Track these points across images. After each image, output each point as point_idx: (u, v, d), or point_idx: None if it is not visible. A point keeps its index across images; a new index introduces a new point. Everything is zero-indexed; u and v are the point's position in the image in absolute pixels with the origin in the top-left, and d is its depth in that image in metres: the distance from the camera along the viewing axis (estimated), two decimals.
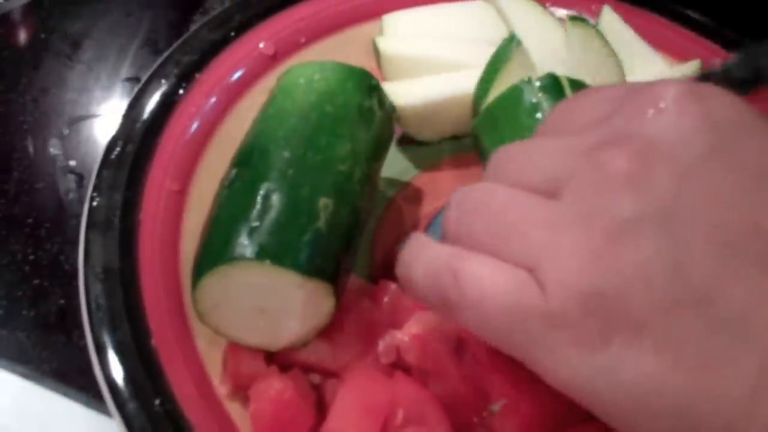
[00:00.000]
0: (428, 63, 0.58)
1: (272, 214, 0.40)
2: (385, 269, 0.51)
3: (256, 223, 0.40)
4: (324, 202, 0.42)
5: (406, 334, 0.42)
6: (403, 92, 0.55)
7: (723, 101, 0.31)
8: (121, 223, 0.46)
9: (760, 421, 0.27)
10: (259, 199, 0.41)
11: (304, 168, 0.43)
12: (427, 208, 0.55)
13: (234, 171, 0.44)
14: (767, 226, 0.29)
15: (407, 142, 0.58)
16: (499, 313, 0.30)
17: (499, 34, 0.60)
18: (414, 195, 0.56)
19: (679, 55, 0.64)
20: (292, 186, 0.42)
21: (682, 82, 0.32)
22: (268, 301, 0.40)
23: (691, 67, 0.60)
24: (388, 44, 0.59)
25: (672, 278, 0.28)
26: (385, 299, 0.46)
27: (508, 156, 0.35)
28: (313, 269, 0.40)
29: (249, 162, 0.44)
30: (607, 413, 0.30)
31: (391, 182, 0.56)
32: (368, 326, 0.44)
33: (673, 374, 0.28)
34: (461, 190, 0.34)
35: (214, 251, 0.40)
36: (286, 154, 0.43)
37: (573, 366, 0.29)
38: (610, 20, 0.63)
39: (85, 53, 0.68)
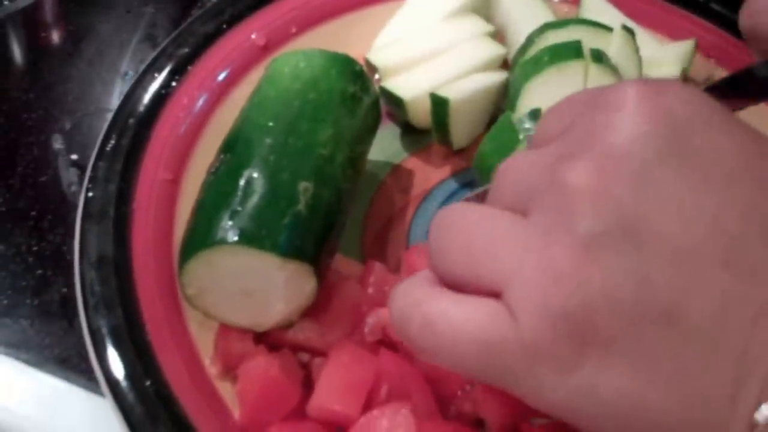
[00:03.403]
0: (424, 55, 0.59)
1: (253, 199, 0.42)
2: (373, 250, 0.52)
3: (237, 208, 0.41)
4: (304, 186, 0.43)
5: None
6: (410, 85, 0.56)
7: (679, 98, 0.31)
8: (115, 212, 0.48)
9: (742, 423, 0.27)
10: (240, 184, 0.42)
11: (285, 153, 0.44)
12: (417, 190, 0.56)
13: (219, 158, 0.46)
14: (727, 223, 0.28)
15: (397, 126, 0.60)
16: (473, 350, 0.30)
17: None
18: (404, 177, 0.57)
19: (670, 33, 0.64)
20: (272, 171, 0.43)
21: (639, 83, 0.32)
22: (252, 284, 0.42)
23: (685, 46, 0.61)
24: (380, 56, 0.59)
25: (637, 293, 0.28)
26: (372, 278, 0.47)
27: (497, 173, 0.35)
28: (292, 251, 0.41)
29: (233, 149, 0.45)
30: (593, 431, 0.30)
31: (382, 165, 0.57)
32: (355, 305, 0.45)
33: (649, 390, 0.28)
34: (441, 211, 0.35)
35: (198, 236, 0.42)
36: (269, 140, 0.45)
37: (553, 389, 0.29)
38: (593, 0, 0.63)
39: (86, 49, 0.69)
